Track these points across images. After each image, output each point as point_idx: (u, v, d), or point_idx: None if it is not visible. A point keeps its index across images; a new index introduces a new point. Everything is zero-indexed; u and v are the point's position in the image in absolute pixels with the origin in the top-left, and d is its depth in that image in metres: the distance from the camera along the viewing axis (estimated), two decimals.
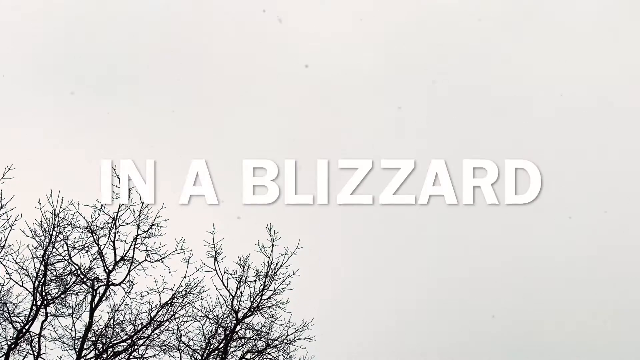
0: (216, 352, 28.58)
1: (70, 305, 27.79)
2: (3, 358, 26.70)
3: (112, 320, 27.87)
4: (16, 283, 27.18)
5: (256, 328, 29.00)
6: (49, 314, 27.41)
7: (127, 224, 27.96)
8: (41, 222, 27.18)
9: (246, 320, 28.88)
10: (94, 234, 27.69)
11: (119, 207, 27.83)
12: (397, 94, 49.21)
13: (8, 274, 27.09)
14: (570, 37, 50.92)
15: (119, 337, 27.92)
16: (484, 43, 50.48)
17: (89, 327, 27.51)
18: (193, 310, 28.57)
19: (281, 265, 29.01)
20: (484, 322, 44.36)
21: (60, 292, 27.62)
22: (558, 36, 49.92)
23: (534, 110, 51.63)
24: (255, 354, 28.95)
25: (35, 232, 27.13)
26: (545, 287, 46.03)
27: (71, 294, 27.78)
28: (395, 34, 49.56)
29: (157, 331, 28.20)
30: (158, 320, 28.16)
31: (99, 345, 27.59)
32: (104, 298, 27.89)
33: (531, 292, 45.48)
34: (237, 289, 28.84)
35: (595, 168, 48.73)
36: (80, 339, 27.36)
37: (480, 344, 43.12)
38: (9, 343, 26.90)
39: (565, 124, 49.47)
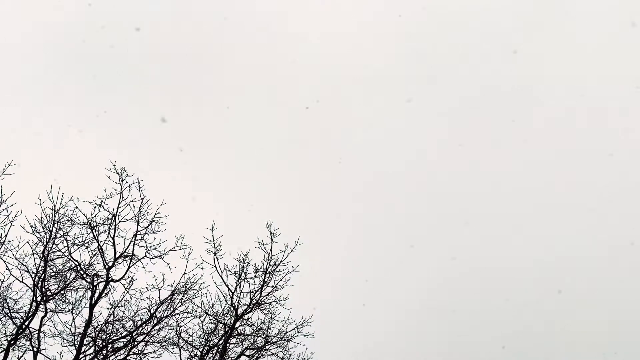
0: (216, 348, 28.55)
1: (70, 301, 27.83)
2: (3, 353, 26.66)
3: (111, 316, 27.87)
4: (16, 279, 27.15)
5: (256, 324, 29.01)
6: (48, 310, 27.40)
7: (127, 220, 27.97)
8: (41, 218, 27.17)
9: (246, 316, 28.90)
10: (93, 230, 27.66)
11: (119, 204, 27.79)
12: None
13: (8, 269, 27.05)
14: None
15: (119, 333, 27.90)
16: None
17: (88, 323, 27.49)
18: (193, 307, 28.64)
19: (281, 262, 29.05)
20: (485, 321, 44.39)
21: (60, 288, 27.59)
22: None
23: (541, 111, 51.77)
24: (255, 350, 28.92)
25: (35, 228, 27.08)
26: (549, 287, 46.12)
27: (71, 290, 27.79)
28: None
29: (156, 327, 28.22)
30: (158, 316, 28.16)
31: (99, 341, 27.55)
32: (104, 294, 27.88)
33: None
34: (236, 285, 28.88)
35: None
36: (80, 335, 27.34)
37: (481, 343, 43.15)
38: (9, 339, 26.84)
39: None
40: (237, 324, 28.80)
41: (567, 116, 51.67)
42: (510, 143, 52.13)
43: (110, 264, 27.86)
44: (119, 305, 27.93)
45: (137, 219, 27.91)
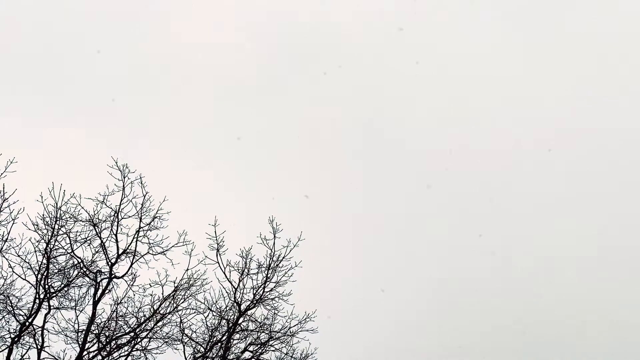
0: (219, 344, 28.51)
1: (73, 298, 27.78)
2: (7, 351, 26.62)
3: (115, 313, 27.82)
4: (19, 276, 27.10)
5: (259, 320, 28.94)
6: (52, 307, 27.32)
7: (130, 217, 27.96)
8: (43, 215, 27.11)
9: (249, 312, 28.84)
10: (96, 227, 27.62)
11: (121, 200, 27.78)
12: None
13: (11, 267, 27.03)
14: None
15: (122, 330, 27.85)
16: None
17: (92, 320, 27.44)
18: (196, 303, 28.63)
19: (283, 257, 29.01)
20: (485, 322, 44.38)
21: (63, 285, 27.57)
22: None
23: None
24: (258, 346, 28.87)
25: (37, 225, 27.01)
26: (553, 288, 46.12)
27: (74, 286, 27.74)
28: None
29: (160, 323, 28.16)
30: (161, 312, 28.11)
31: (102, 338, 27.51)
32: (107, 291, 27.84)
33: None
34: (239, 281, 28.85)
35: None
36: (84, 332, 27.30)
37: (481, 343, 43.13)
38: (12, 336, 26.81)
39: None
40: (241, 319, 28.78)
41: None
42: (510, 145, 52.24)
43: (113, 260, 27.85)
44: (122, 301, 27.90)
45: (140, 215, 27.90)
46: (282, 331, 28.89)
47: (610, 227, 50.06)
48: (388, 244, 46.78)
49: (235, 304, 28.74)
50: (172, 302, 28.24)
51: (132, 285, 27.95)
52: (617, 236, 49.32)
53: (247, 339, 28.93)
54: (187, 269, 28.30)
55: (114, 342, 27.66)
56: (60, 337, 27.48)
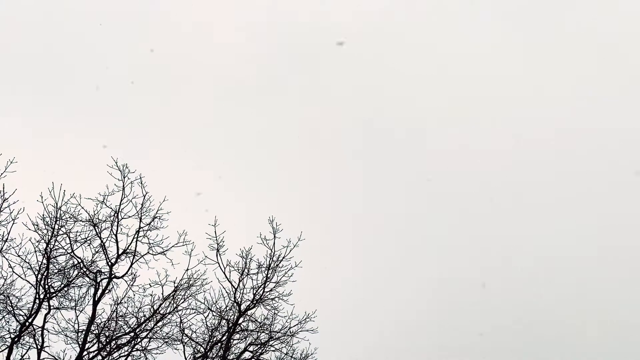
0: (219, 344, 28.53)
1: (73, 298, 27.83)
2: (7, 351, 26.63)
3: (115, 313, 27.85)
4: (19, 276, 27.16)
5: (259, 320, 28.96)
6: (52, 307, 27.36)
7: (130, 217, 27.97)
8: (43, 215, 27.13)
9: (249, 312, 28.86)
10: (96, 227, 27.64)
11: (121, 200, 27.78)
12: None
13: (11, 267, 27.10)
14: None
15: (122, 330, 27.88)
16: None
17: (92, 320, 27.47)
18: (196, 303, 28.67)
19: (283, 257, 29.00)
20: (486, 322, 44.35)
21: (63, 285, 27.61)
22: None
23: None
24: (258, 346, 28.88)
25: (37, 225, 27.05)
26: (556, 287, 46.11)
27: (74, 286, 27.78)
28: None
29: (160, 324, 28.20)
30: (161, 312, 28.15)
31: (102, 338, 27.53)
32: (107, 291, 27.87)
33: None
34: (239, 281, 28.85)
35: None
36: (84, 332, 27.31)
37: (481, 343, 43.11)
38: (12, 336, 26.83)
39: None
40: (241, 319, 28.81)
41: None
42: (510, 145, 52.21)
43: (113, 260, 27.89)
44: (122, 301, 27.95)
45: (140, 215, 27.95)
46: (282, 331, 28.94)
47: (610, 227, 49.99)
48: (388, 244, 46.72)
49: (235, 304, 28.77)
50: (172, 302, 28.27)
51: (132, 285, 28.05)
52: (617, 236, 49.26)
53: (247, 339, 28.98)
54: (187, 269, 28.40)
55: (114, 342, 27.70)
56: (60, 337, 27.57)
